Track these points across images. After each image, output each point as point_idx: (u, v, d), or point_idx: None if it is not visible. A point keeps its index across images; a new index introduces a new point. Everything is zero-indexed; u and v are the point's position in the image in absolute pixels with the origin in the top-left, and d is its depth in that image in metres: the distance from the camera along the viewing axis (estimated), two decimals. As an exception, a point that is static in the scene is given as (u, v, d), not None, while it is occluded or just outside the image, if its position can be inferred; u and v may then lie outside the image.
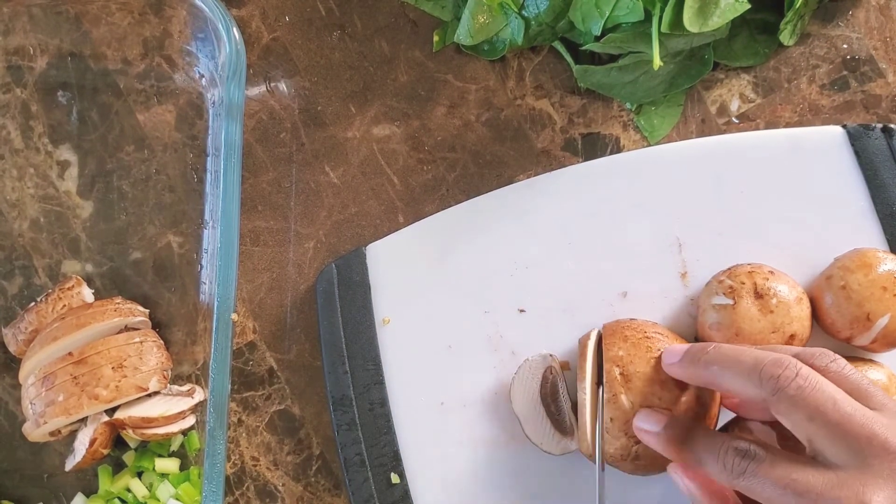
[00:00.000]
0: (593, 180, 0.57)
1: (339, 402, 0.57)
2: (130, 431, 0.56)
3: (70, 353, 0.56)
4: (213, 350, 0.55)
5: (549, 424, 0.54)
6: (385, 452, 0.56)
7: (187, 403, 0.57)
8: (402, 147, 0.61)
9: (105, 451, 0.57)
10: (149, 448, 0.59)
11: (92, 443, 0.56)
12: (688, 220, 0.56)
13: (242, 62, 0.57)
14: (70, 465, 0.57)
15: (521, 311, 0.57)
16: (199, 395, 0.58)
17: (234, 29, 0.57)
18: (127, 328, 0.58)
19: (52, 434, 0.57)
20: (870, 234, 0.55)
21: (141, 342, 0.57)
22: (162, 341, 0.59)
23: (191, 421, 0.58)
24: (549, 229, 0.57)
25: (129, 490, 0.58)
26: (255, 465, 0.59)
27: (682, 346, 0.49)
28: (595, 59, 0.59)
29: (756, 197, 0.56)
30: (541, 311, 0.56)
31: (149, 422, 0.56)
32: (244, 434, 0.59)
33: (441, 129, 0.61)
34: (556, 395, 0.54)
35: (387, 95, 0.62)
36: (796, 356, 0.44)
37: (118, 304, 0.58)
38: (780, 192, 0.56)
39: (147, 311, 0.60)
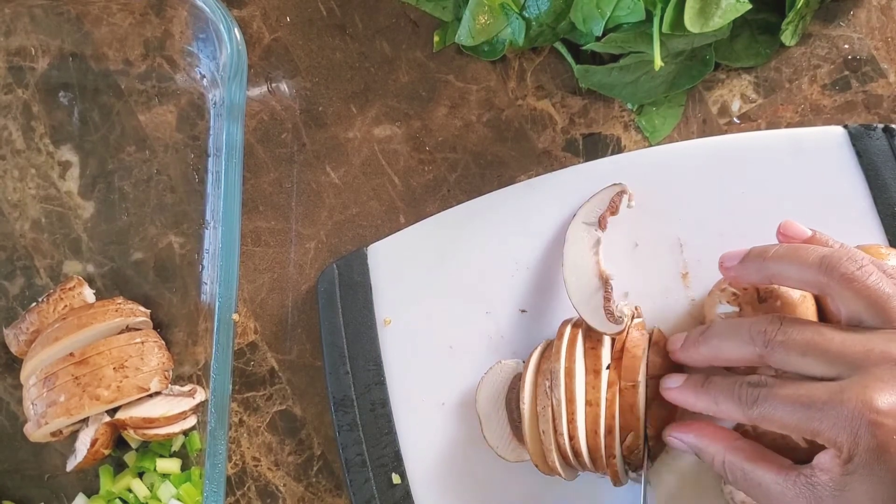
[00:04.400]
0: (594, 180, 0.57)
1: (341, 403, 0.57)
2: (132, 432, 0.56)
3: (71, 354, 0.56)
4: (214, 350, 0.55)
5: (509, 431, 0.54)
6: (386, 453, 0.56)
7: (188, 404, 0.57)
8: (403, 147, 0.62)
9: (106, 452, 0.57)
10: (150, 448, 0.59)
11: (93, 443, 0.56)
12: (689, 221, 0.56)
13: (244, 63, 0.57)
14: (71, 465, 0.57)
15: (523, 311, 0.57)
16: (201, 395, 0.58)
17: (236, 29, 0.57)
18: (128, 328, 0.58)
19: (53, 435, 0.57)
20: (871, 234, 0.55)
21: (142, 342, 0.57)
22: (163, 341, 0.59)
23: (192, 421, 0.58)
24: (550, 229, 0.57)
25: (130, 490, 0.58)
26: (256, 466, 0.59)
27: (740, 251, 0.50)
28: (596, 59, 0.59)
29: (757, 197, 0.56)
30: (542, 311, 0.56)
31: (150, 422, 0.56)
32: (245, 434, 0.59)
33: (442, 129, 0.61)
34: (520, 403, 0.53)
35: (388, 96, 0.62)
36: (825, 258, 0.44)
37: (119, 304, 0.58)
38: (782, 193, 0.56)
39: (148, 311, 0.60)
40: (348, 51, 0.63)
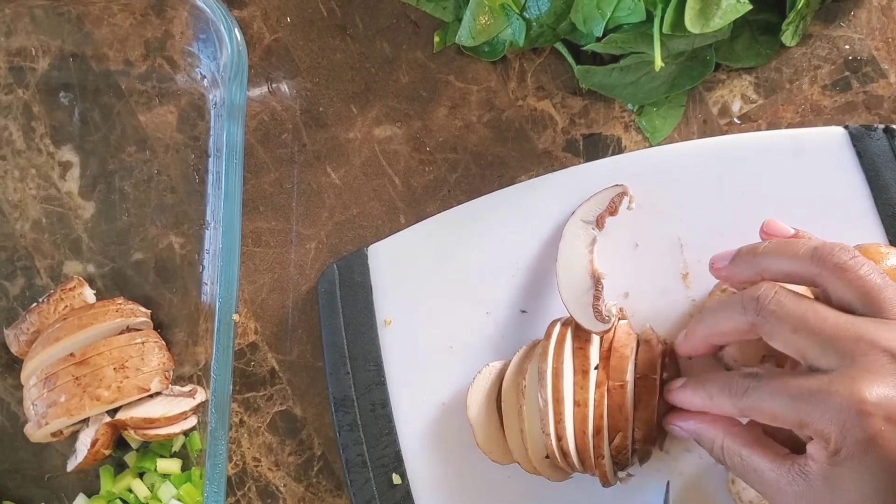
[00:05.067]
0: (595, 181, 0.57)
1: (341, 403, 0.57)
2: (132, 432, 0.56)
3: (72, 354, 0.56)
4: (214, 350, 0.55)
5: (502, 435, 0.54)
6: (387, 453, 0.56)
7: (189, 404, 0.57)
8: (403, 148, 0.62)
9: (107, 452, 0.57)
10: (150, 449, 0.59)
11: (94, 443, 0.56)
12: (689, 221, 0.56)
13: (244, 63, 0.57)
14: (72, 465, 0.57)
15: (523, 311, 0.57)
16: (201, 395, 0.58)
17: (236, 30, 0.57)
18: (129, 329, 0.58)
19: (53, 435, 0.57)
20: (872, 235, 0.55)
21: (143, 343, 0.57)
22: (164, 342, 0.59)
23: (192, 422, 0.58)
24: (550, 230, 0.57)
25: (130, 490, 0.58)
26: (256, 466, 0.59)
27: (729, 252, 0.50)
28: (597, 59, 0.59)
29: (757, 197, 0.56)
30: (542, 311, 0.56)
31: (150, 422, 0.56)
32: (245, 435, 0.59)
33: (442, 129, 0.61)
34: (500, 403, 0.53)
35: (388, 96, 0.62)
36: (817, 249, 0.45)
37: (120, 304, 0.59)
38: (782, 193, 0.56)
39: (149, 311, 0.60)
40: (349, 51, 0.63)
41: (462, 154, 0.61)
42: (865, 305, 0.43)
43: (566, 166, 0.60)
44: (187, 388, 0.58)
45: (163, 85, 0.63)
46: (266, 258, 0.61)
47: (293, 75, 0.63)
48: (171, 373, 0.58)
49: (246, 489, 0.59)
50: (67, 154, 0.63)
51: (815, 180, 0.56)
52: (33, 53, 0.63)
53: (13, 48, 0.63)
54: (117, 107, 0.63)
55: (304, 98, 0.62)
